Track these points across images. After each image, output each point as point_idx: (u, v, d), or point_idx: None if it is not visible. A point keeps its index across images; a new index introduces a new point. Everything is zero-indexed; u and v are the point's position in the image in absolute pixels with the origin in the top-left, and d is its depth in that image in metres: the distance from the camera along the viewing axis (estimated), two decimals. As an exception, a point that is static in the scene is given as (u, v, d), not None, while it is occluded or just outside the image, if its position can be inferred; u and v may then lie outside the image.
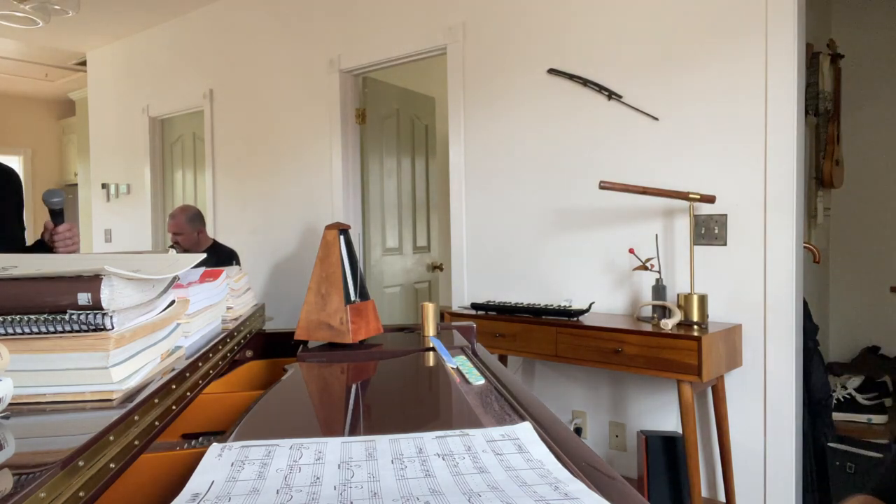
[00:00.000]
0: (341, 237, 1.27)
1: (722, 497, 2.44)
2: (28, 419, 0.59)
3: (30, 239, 1.91)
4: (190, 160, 4.92)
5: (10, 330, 0.63)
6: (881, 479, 1.01)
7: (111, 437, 0.56)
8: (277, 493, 0.54)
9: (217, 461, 0.61)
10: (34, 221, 4.71)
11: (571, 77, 2.76)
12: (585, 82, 2.71)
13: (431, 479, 0.56)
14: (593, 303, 2.66)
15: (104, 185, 5.46)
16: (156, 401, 0.68)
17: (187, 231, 3.37)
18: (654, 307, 2.35)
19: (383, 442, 0.65)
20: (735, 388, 2.38)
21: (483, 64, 3.08)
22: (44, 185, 7.95)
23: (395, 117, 4.01)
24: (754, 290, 2.33)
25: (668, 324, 2.16)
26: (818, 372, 2.57)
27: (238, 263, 3.44)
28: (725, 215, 2.38)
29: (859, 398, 3.03)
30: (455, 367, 1.06)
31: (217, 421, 1.08)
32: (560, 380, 2.92)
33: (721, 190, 2.38)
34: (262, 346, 1.44)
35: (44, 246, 1.80)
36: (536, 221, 2.92)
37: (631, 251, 2.57)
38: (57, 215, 1.73)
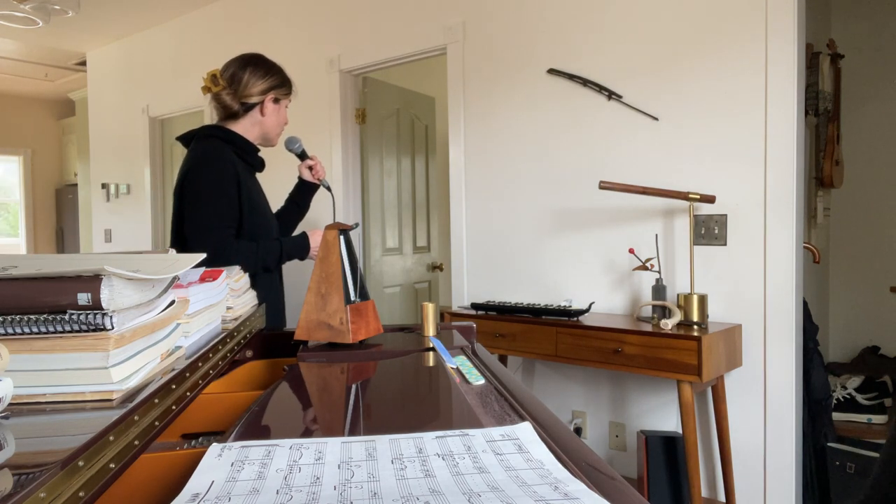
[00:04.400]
0: (341, 237, 1.27)
1: (722, 497, 2.44)
2: (28, 419, 0.59)
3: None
4: (190, 160, 4.91)
5: (10, 330, 0.63)
6: (867, 494, 1.01)
7: (111, 437, 0.56)
8: (277, 493, 0.54)
9: (217, 461, 0.61)
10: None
11: (571, 77, 2.76)
12: (585, 82, 2.71)
13: (431, 479, 0.56)
14: (593, 303, 2.66)
15: (104, 185, 5.46)
16: (156, 401, 0.68)
17: None
18: (654, 307, 2.35)
19: (383, 442, 0.65)
20: (735, 388, 2.38)
21: (483, 64, 3.08)
22: (44, 185, 7.95)
23: (395, 117, 4.01)
24: (754, 290, 2.33)
25: (668, 324, 2.16)
26: (818, 372, 2.57)
27: None
28: (725, 215, 2.38)
29: (859, 398, 3.03)
30: (455, 367, 1.06)
31: (217, 421, 1.08)
32: (560, 380, 2.92)
33: (721, 190, 2.38)
34: (262, 346, 1.44)
35: (303, 186, 2.20)
36: (536, 221, 2.92)
37: (631, 251, 2.57)
38: (303, 154, 2.13)
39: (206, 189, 1.84)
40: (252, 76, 1.97)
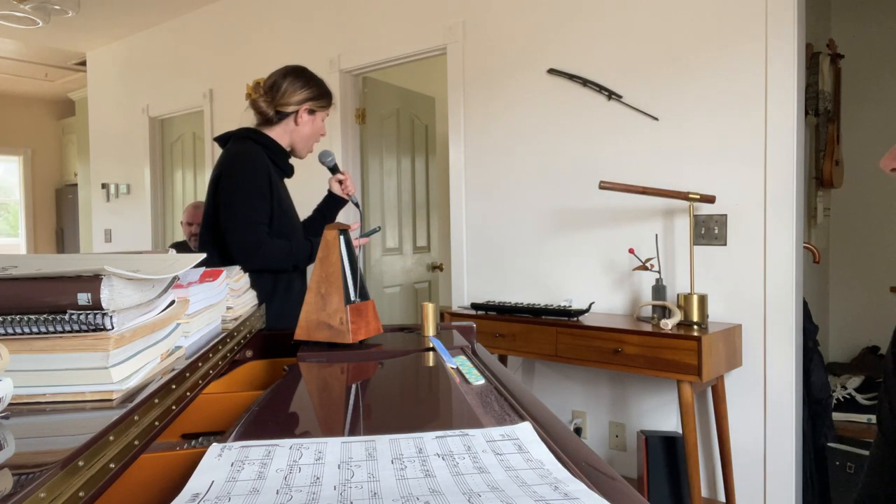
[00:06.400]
0: (341, 237, 1.27)
1: (722, 497, 2.44)
2: (28, 419, 0.59)
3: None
4: (190, 160, 4.92)
5: (10, 330, 0.63)
6: (858, 494, 1.01)
7: (111, 437, 0.56)
8: (277, 493, 0.54)
9: (217, 461, 0.61)
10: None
11: (571, 77, 2.76)
12: (585, 82, 2.71)
13: (431, 479, 0.56)
14: (593, 303, 2.66)
15: (104, 185, 5.46)
16: (156, 401, 0.68)
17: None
18: (654, 307, 2.35)
19: (383, 442, 0.65)
20: (735, 388, 2.38)
21: (483, 64, 3.08)
22: (44, 185, 7.95)
23: (395, 117, 4.01)
24: (754, 290, 2.33)
25: (668, 324, 2.16)
26: (818, 372, 2.57)
27: None
28: (725, 215, 2.38)
29: (859, 398, 3.03)
30: (455, 367, 1.06)
31: (217, 421, 1.08)
32: (560, 380, 2.92)
33: (721, 190, 2.38)
34: (262, 346, 1.44)
35: (331, 200, 2.22)
36: (536, 221, 2.92)
37: (631, 251, 2.57)
38: (335, 168, 2.17)
39: (245, 185, 1.91)
40: (290, 86, 2.03)
